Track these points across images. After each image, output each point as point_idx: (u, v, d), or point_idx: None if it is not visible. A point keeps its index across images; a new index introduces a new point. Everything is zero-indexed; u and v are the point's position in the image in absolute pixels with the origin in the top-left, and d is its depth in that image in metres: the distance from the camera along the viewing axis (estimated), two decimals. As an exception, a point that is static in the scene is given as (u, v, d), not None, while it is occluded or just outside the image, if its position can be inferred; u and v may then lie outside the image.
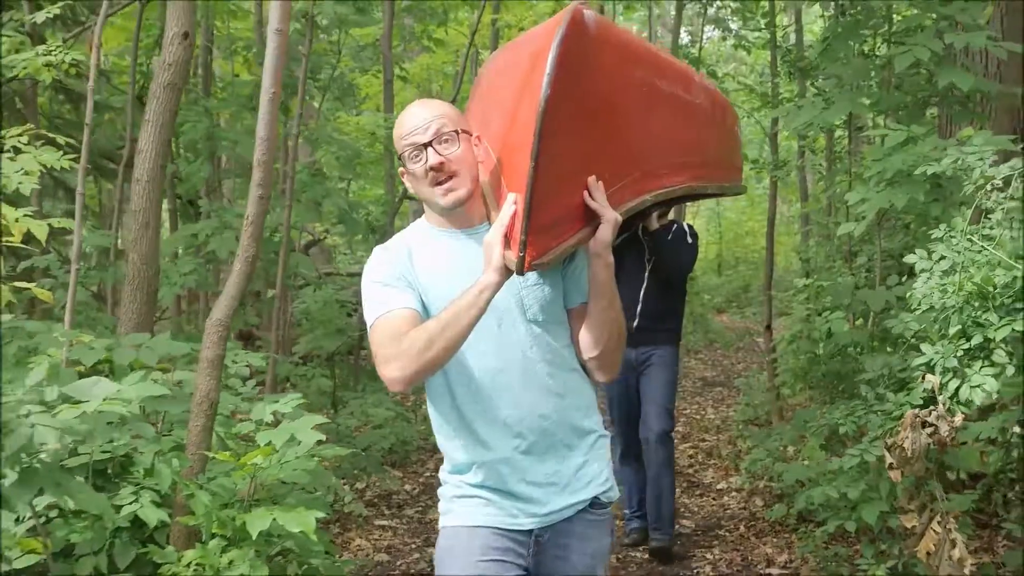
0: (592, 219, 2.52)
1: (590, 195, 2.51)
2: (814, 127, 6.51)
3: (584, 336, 2.70)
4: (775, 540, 6.06)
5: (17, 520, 3.20)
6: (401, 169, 2.72)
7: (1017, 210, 3.45)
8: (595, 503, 2.75)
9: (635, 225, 5.59)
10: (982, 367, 3.18)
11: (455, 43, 14.30)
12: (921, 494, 3.39)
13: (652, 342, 5.86)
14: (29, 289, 4.54)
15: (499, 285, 2.47)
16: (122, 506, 3.23)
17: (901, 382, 4.09)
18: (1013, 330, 3.10)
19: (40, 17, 6.10)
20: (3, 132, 5.76)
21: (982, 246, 3.34)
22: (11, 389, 2.58)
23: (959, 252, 3.38)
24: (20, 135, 5.52)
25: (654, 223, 5.70)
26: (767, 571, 5.63)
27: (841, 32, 6.06)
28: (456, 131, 2.62)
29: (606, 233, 2.52)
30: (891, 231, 7.04)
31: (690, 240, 5.85)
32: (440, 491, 2.82)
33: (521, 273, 2.43)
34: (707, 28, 17.84)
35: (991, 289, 3.24)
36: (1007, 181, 3.55)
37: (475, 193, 2.67)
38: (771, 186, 10.11)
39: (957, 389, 3.16)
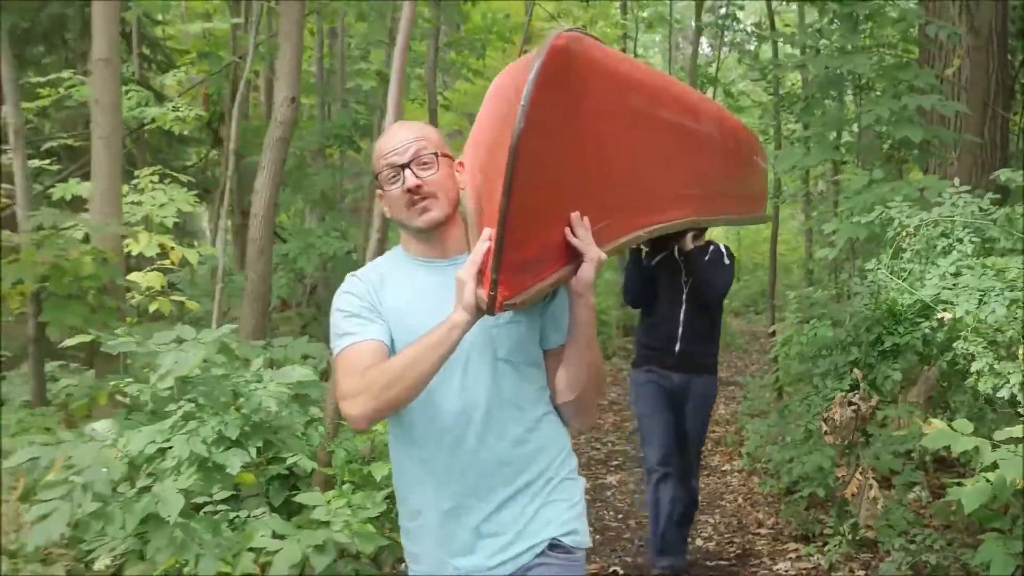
0: (575, 257, 2.40)
1: (572, 232, 2.39)
2: (795, 169, 7.77)
3: (560, 379, 2.62)
4: (766, 508, 7.35)
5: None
6: (378, 192, 2.65)
7: (924, 251, 4.78)
8: (554, 546, 2.59)
9: (670, 246, 5.50)
10: (891, 364, 4.50)
11: (492, 73, 15.54)
12: (849, 454, 4.68)
13: (693, 370, 5.61)
14: (183, 302, 5.89)
15: (470, 324, 2.34)
16: (286, 457, 4.56)
17: (841, 375, 5.39)
18: (913, 338, 4.42)
19: (169, 79, 7.50)
20: (137, 172, 7.16)
21: (893, 278, 4.67)
22: (238, 372, 3.92)
23: (881, 281, 4.70)
24: (151, 175, 6.91)
25: (689, 244, 5.42)
26: (757, 531, 6.92)
27: (817, 91, 7.37)
28: (436, 154, 2.55)
29: (588, 272, 2.42)
30: (869, 252, 8.32)
31: (727, 261, 5.58)
32: (401, 537, 2.76)
33: (492, 313, 2.29)
34: (724, 48, 18.98)
35: (900, 308, 4.56)
36: (917, 228, 4.88)
37: (452, 219, 2.59)
38: (773, 209, 11.33)
39: (873, 379, 4.48)
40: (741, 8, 16.65)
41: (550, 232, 2.37)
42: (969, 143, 7.86)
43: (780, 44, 11.60)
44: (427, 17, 12.02)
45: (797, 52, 8.81)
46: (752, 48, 17.35)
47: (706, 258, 5.49)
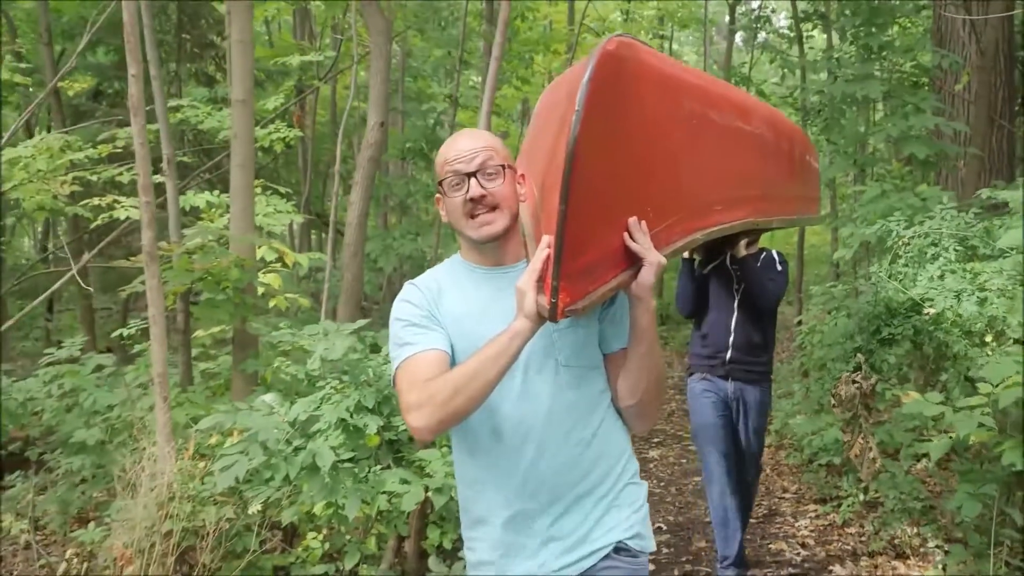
0: (634, 262, 2.40)
1: (631, 236, 2.39)
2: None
3: (622, 383, 2.61)
4: (790, 477, 8.39)
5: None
6: (437, 196, 2.64)
7: (916, 257, 5.83)
8: (619, 549, 2.61)
9: (723, 253, 5.48)
10: (888, 350, 5.56)
11: (537, 79, 16.59)
12: (853, 423, 5.71)
13: (746, 379, 5.57)
14: (296, 297, 6.98)
15: (532, 332, 2.34)
16: (398, 426, 5.61)
17: (847, 359, 6.43)
18: (905, 329, 5.48)
19: (270, 104, 8.61)
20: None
21: (890, 280, 5.73)
22: (368, 357, 5.01)
23: (880, 282, 5.77)
24: (257, 188, 8.01)
25: (742, 250, 5.36)
26: (783, 495, 7.96)
27: (834, 112, 8.41)
28: (502, 165, 2.54)
29: (648, 276, 2.40)
30: (881, 253, 9.37)
31: (779, 268, 5.51)
32: (465, 551, 2.75)
33: (554, 320, 2.30)
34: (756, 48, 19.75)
35: (895, 305, 5.62)
36: (911, 239, 5.94)
37: (512, 231, 2.58)
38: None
39: (873, 362, 5.55)
40: (773, 12, 17.53)
41: (609, 237, 2.38)
42: (975, 156, 8.84)
43: (806, 65, 12.55)
44: (480, 32, 13.14)
45: (822, 74, 9.78)
46: (783, 50, 18.20)
47: (758, 264, 5.45)
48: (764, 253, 5.57)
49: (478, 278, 2.65)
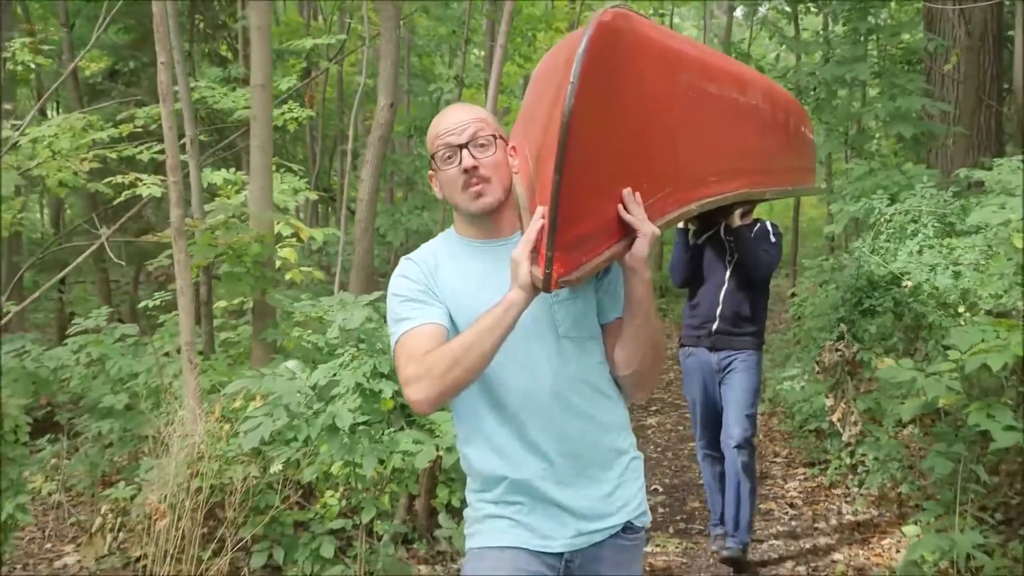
0: (628, 232, 2.41)
1: (625, 208, 2.39)
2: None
3: (619, 353, 2.62)
4: (781, 442, 8.79)
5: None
6: (430, 172, 2.65)
7: (898, 234, 6.19)
8: (627, 528, 2.65)
9: (717, 223, 5.49)
10: (869, 320, 5.93)
11: (540, 56, 16.86)
12: (836, 388, 6.09)
13: (733, 347, 5.58)
14: (311, 270, 7.34)
15: (526, 303, 2.36)
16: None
17: (832, 329, 6.81)
18: (885, 301, 5.85)
19: (283, 85, 8.93)
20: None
21: (872, 255, 6.10)
22: (384, 326, 5.37)
23: (863, 257, 6.13)
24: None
25: (736, 221, 5.39)
26: (774, 459, 8.36)
27: (824, 95, 8.75)
28: (493, 136, 2.54)
29: (642, 247, 2.41)
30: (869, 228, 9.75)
31: (773, 239, 5.54)
32: (466, 512, 2.74)
33: (548, 290, 2.32)
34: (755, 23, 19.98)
35: (877, 277, 5.99)
36: (892, 216, 6.30)
37: (506, 202, 2.58)
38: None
39: (855, 332, 5.92)
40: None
41: (603, 208, 2.38)
42: (962, 135, 9.20)
43: (800, 46, 12.87)
44: (484, 12, 13.42)
45: (816, 56, 10.11)
46: (782, 26, 18.45)
47: (751, 235, 5.46)
48: (759, 224, 5.57)
49: (474, 251, 2.65)
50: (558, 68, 2.40)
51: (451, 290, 2.60)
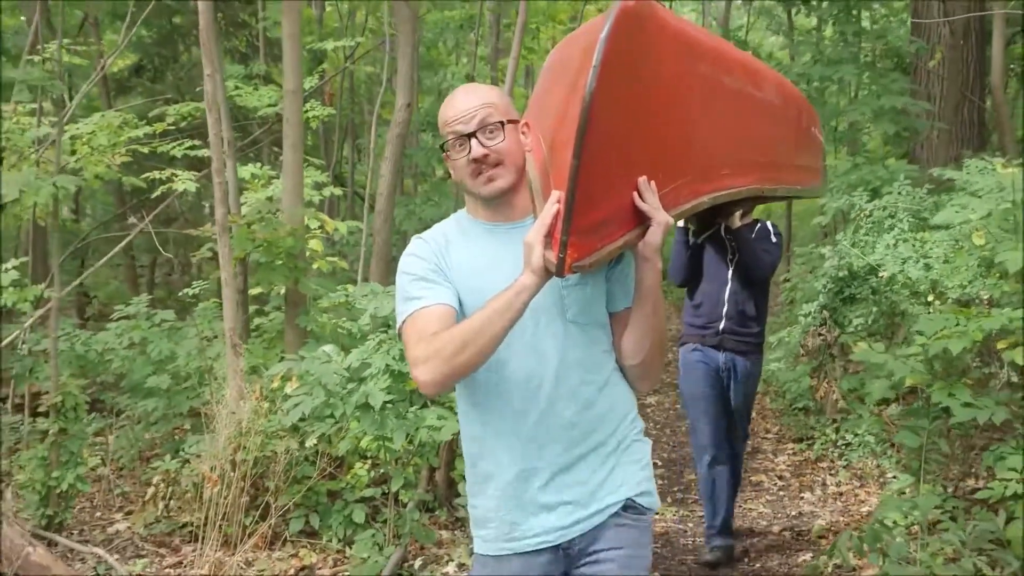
0: (642, 221, 2.39)
1: (640, 196, 2.37)
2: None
3: (626, 342, 2.61)
4: (773, 420, 9.39)
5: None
6: (445, 154, 2.61)
7: (876, 228, 6.78)
8: (628, 506, 2.61)
9: (717, 223, 5.44)
10: (849, 308, 6.54)
11: (541, 49, 17.34)
12: (819, 369, 6.70)
13: (737, 349, 5.58)
14: (335, 258, 7.92)
15: (538, 287, 2.34)
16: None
17: (815, 314, 7.41)
18: (863, 290, 6.46)
19: (307, 84, 9.47)
20: (281, 157, 9.12)
21: (853, 248, 6.69)
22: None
23: (844, 249, 6.73)
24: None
25: (736, 221, 5.40)
26: (765, 436, 8.95)
27: (813, 92, 9.31)
28: (502, 121, 2.51)
29: (656, 236, 2.39)
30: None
31: (774, 239, 5.53)
32: (468, 509, 2.76)
33: (561, 275, 2.30)
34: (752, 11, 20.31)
35: (857, 268, 6.58)
36: (871, 211, 6.89)
37: (518, 185, 2.55)
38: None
39: (836, 319, 6.54)
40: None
41: (619, 195, 2.36)
42: (943, 130, 9.78)
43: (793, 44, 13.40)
44: (490, 8, 13.98)
45: (807, 56, 10.68)
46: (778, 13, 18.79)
47: (752, 235, 5.46)
48: (759, 224, 5.58)
49: (485, 233, 2.62)
50: (574, 57, 2.40)
51: (461, 271, 2.58)
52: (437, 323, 2.45)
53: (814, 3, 10.18)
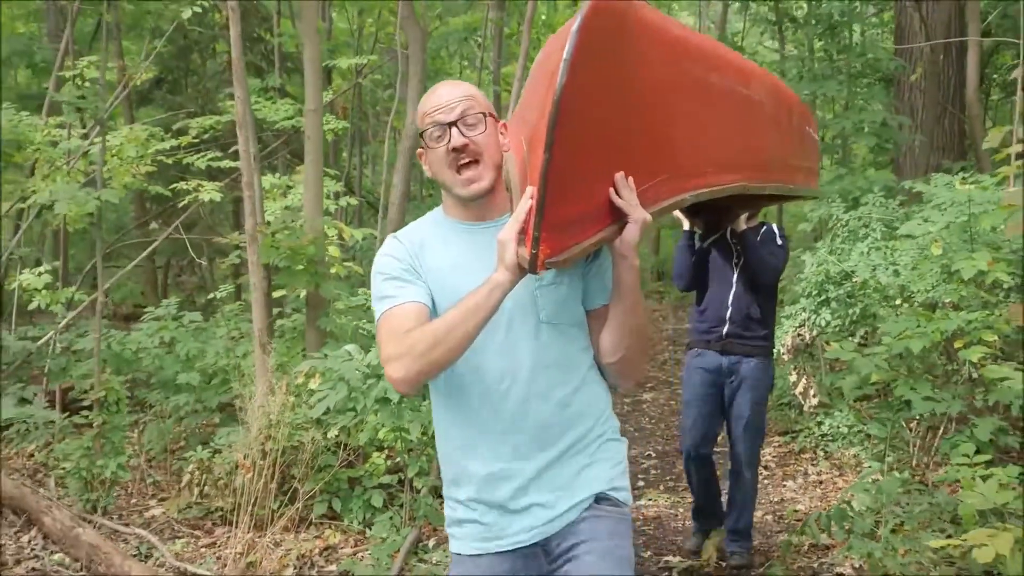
0: (619, 217, 2.35)
1: (617, 192, 2.33)
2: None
3: (605, 340, 2.57)
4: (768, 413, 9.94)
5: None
6: (420, 150, 2.58)
7: (852, 236, 7.35)
8: (602, 498, 2.59)
9: (723, 226, 5.39)
10: (826, 310, 7.13)
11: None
12: (799, 367, 7.26)
13: (742, 352, 5.47)
14: (350, 263, 8.48)
15: (511, 284, 2.31)
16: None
17: (796, 316, 7.99)
18: (838, 294, 7.04)
19: (328, 97, 10.04)
20: (298, 168, 9.73)
21: (829, 256, 7.27)
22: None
23: (821, 256, 7.32)
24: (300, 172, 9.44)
25: (742, 224, 5.33)
26: (755, 428, 9.51)
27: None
28: (483, 114, 2.49)
29: (633, 233, 2.35)
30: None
31: (780, 242, 5.46)
32: (444, 509, 2.72)
33: (535, 272, 2.26)
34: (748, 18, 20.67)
35: (833, 274, 7.17)
36: (847, 221, 7.47)
37: (497, 185, 2.53)
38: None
39: (815, 320, 7.13)
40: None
41: (594, 191, 2.32)
42: (927, 134, 10.35)
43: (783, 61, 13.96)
44: (492, 19, 14.54)
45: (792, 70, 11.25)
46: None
47: (757, 238, 5.39)
48: (764, 227, 5.51)
49: (461, 233, 2.60)
50: (553, 54, 2.33)
51: (435, 270, 2.56)
52: (410, 321, 2.44)
53: (800, 22, 10.76)
